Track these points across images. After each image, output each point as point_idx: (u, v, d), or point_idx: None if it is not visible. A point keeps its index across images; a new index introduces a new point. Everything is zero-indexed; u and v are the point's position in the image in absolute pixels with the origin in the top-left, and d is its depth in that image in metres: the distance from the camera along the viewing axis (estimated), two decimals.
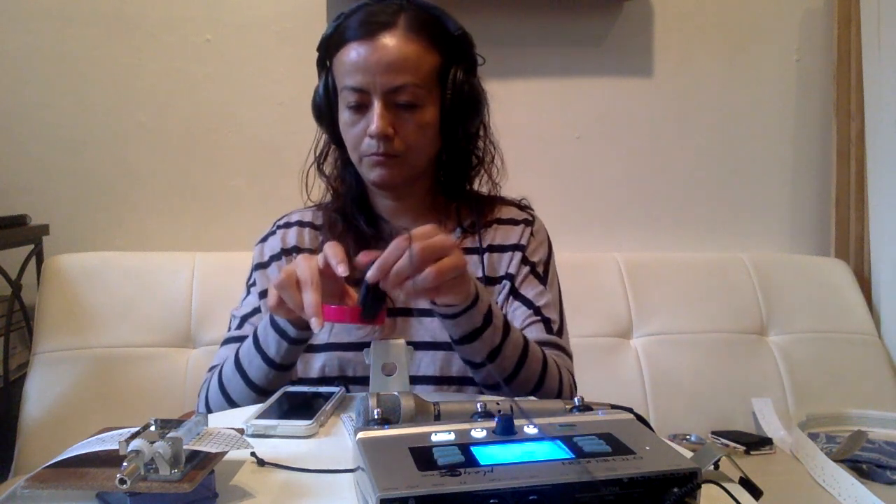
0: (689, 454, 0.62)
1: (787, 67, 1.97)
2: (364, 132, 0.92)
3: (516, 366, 0.87)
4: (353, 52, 0.91)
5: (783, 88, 1.97)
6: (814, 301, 1.82)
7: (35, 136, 1.71)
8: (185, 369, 1.53)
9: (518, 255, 1.03)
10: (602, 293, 1.75)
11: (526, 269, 1.03)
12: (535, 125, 1.86)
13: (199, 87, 1.76)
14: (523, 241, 1.04)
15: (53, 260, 1.58)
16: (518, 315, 1.00)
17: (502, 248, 1.03)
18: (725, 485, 0.56)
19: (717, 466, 0.62)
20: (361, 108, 0.93)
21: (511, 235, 1.04)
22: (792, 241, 2.01)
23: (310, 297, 0.72)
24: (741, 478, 0.63)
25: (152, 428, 0.58)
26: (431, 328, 0.97)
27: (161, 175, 1.76)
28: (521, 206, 1.10)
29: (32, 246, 1.65)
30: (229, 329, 1.02)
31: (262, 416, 0.73)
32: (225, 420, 0.76)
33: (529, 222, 1.07)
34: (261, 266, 1.04)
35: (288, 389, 0.84)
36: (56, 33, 1.70)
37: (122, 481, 0.50)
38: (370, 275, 0.73)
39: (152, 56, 1.74)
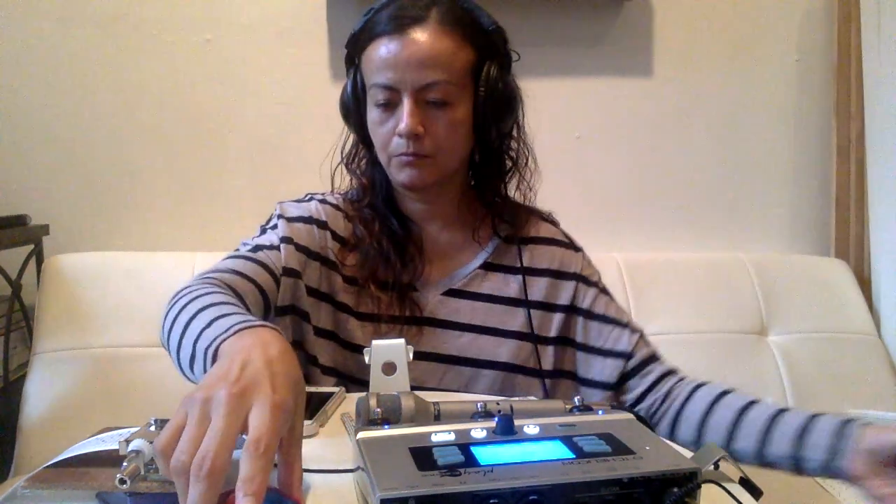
0: (689, 454, 0.62)
1: (787, 67, 1.96)
2: (393, 131, 0.89)
3: None
4: (382, 48, 0.87)
5: (783, 88, 1.97)
6: (814, 301, 1.82)
7: (35, 136, 1.71)
8: None
9: (587, 287, 1.00)
10: None
11: (599, 293, 1.01)
12: (535, 125, 1.85)
13: (199, 87, 1.76)
14: (584, 273, 1.01)
15: (53, 260, 1.58)
16: (624, 339, 0.98)
17: (543, 272, 1.00)
18: (725, 485, 0.56)
19: (717, 466, 0.62)
20: (390, 106, 0.89)
21: (551, 258, 1.01)
22: (792, 241, 2.01)
23: None
24: (741, 478, 0.63)
25: (152, 428, 0.58)
26: (461, 343, 0.94)
27: (161, 175, 1.76)
28: (555, 223, 1.07)
29: (32, 246, 1.65)
30: (236, 250, 0.94)
31: None
32: None
33: (567, 244, 1.04)
34: (285, 217, 0.96)
35: None
36: (56, 33, 1.70)
37: (122, 481, 0.50)
38: None
39: (152, 56, 1.74)
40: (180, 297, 0.76)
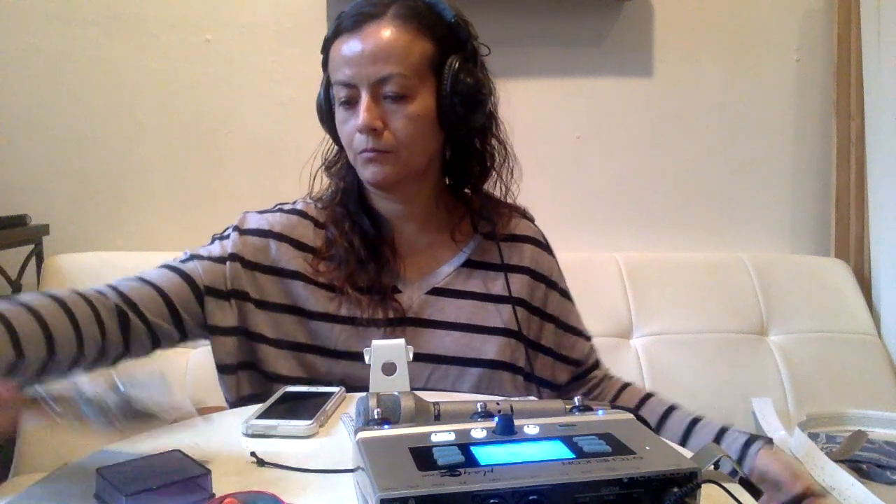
0: (689, 454, 0.62)
1: (787, 67, 1.96)
2: (356, 128, 0.88)
3: None
4: (342, 47, 0.89)
5: (783, 88, 1.97)
6: (814, 301, 1.82)
7: (35, 136, 1.71)
8: (185, 369, 1.53)
9: (554, 293, 1.04)
10: (602, 293, 1.74)
11: (563, 299, 1.05)
12: (535, 125, 1.86)
13: (199, 87, 1.76)
14: (553, 277, 1.04)
15: (53, 260, 1.58)
16: (578, 348, 1.04)
17: (523, 270, 1.01)
18: (725, 485, 0.56)
19: (717, 466, 0.62)
20: (352, 103, 0.89)
21: (530, 257, 1.02)
22: (792, 241, 2.01)
23: None
24: (741, 478, 0.63)
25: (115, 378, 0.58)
26: (445, 342, 0.94)
27: (161, 175, 1.76)
28: (531, 219, 1.08)
29: (32, 246, 1.65)
30: (176, 259, 0.94)
31: (262, 416, 0.73)
32: (225, 420, 0.76)
33: (544, 246, 1.06)
34: (240, 230, 0.96)
35: (288, 389, 0.84)
36: (56, 33, 1.70)
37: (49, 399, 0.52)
38: None
39: (152, 56, 1.74)
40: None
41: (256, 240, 0.95)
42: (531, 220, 1.08)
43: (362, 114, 0.87)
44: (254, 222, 0.98)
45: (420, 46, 0.88)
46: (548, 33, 1.86)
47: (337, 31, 0.91)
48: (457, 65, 0.89)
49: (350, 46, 0.88)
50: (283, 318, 0.93)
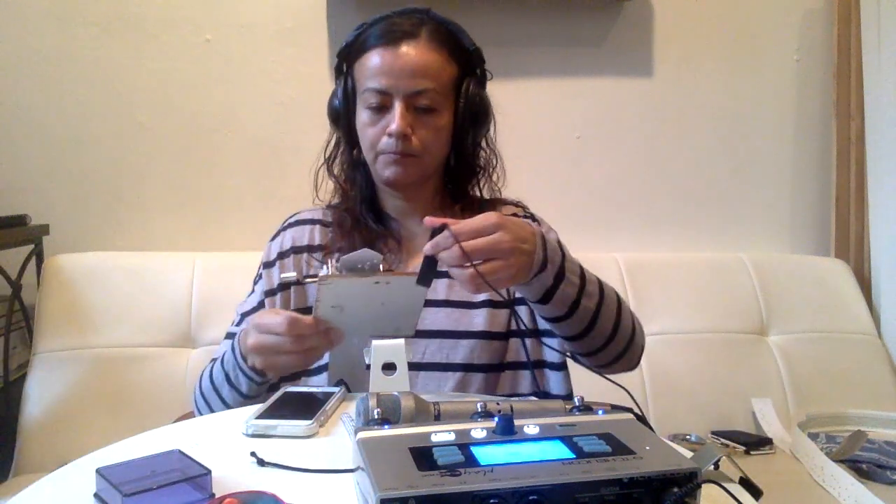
0: (689, 454, 0.62)
1: (787, 67, 1.96)
2: (383, 131, 0.98)
3: (597, 312, 0.92)
4: (376, 57, 0.98)
5: (783, 88, 1.97)
6: (814, 301, 1.82)
7: (35, 136, 1.71)
8: (185, 369, 1.53)
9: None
10: None
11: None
12: (535, 125, 1.86)
13: (199, 87, 1.76)
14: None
15: (53, 260, 1.58)
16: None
17: None
18: (725, 485, 0.56)
19: (717, 466, 0.62)
20: (382, 109, 0.98)
21: None
22: (792, 241, 2.01)
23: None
24: (741, 478, 0.63)
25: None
26: (438, 317, 1.01)
27: (161, 175, 1.76)
28: (523, 206, 1.14)
29: (32, 246, 1.65)
30: (233, 323, 1.07)
31: (262, 416, 0.73)
32: (224, 419, 0.77)
33: (533, 220, 1.11)
34: (268, 265, 1.08)
35: (288, 389, 0.84)
36: (56, 33, 1.70)
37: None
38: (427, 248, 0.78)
39: (152, 56, 1.74)
40: (197, 385, 1.00)
41: (274, 269, 1.07)
42: (524, 207, 1.14)
43: (397, 120, 0.97)
44: (271, 251, 1.09)
45: (449, 68, 1.00)
46: (548, 33, 1.86)
47: (364, 43, 1.00)
48: (472, 87, 1.02)
49: (387, 59, 0.97)
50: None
